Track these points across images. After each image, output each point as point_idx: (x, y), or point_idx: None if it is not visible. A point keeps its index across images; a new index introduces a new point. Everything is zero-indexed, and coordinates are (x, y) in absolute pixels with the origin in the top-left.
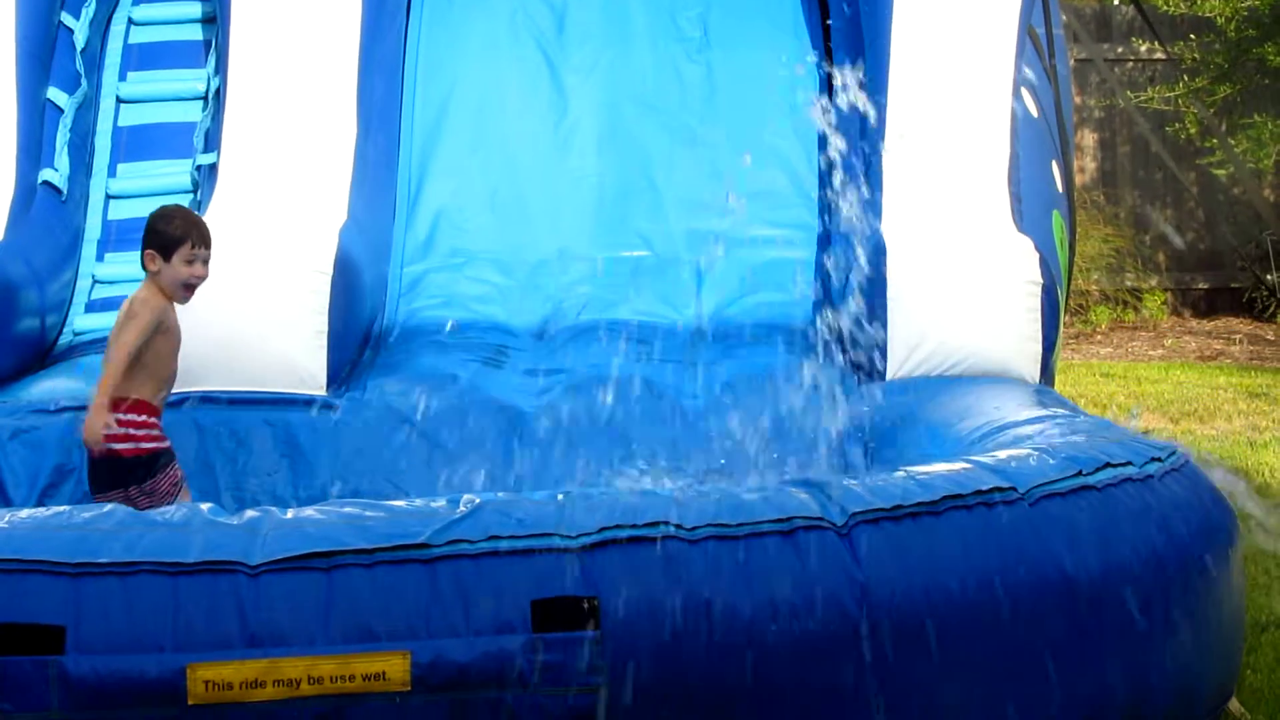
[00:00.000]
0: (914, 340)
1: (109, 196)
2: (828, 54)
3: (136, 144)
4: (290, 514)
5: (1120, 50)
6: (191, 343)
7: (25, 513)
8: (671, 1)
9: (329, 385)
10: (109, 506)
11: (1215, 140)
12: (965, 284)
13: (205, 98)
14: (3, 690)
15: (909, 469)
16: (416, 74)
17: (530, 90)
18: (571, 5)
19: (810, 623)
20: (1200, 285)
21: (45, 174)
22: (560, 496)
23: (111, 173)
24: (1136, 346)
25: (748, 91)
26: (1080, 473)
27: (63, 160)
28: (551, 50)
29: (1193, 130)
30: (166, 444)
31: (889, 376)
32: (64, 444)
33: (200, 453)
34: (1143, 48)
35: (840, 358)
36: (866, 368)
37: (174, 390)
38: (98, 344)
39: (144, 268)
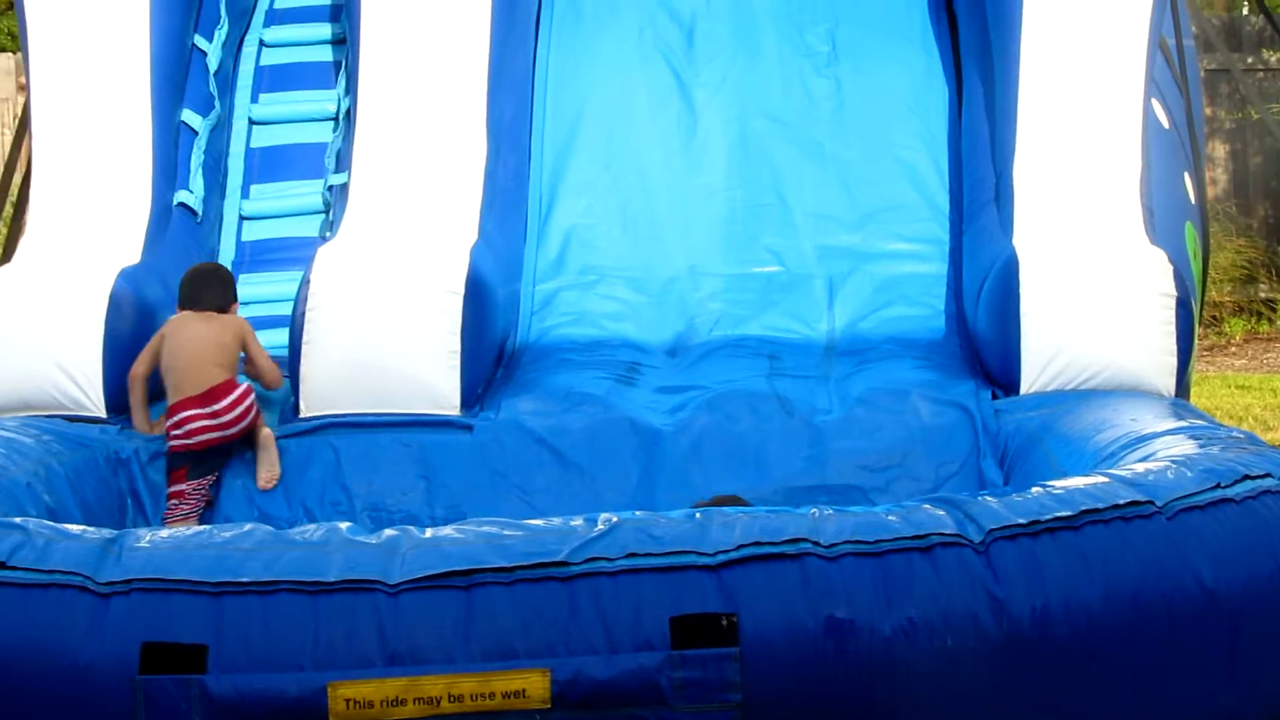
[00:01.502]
0: (1048, 354)
1: (242, 218)
2: (957, 67)
3: (269, 165)
4: (429, 533)
5: (1250, 60)
6: (326, 366)
7: (166, 532)
8: (799, 16)
9: (463, 405)
10: (248, 526)
11: None
12: (1099, 297)
13: (336, 118)
14: (146, 709)
15: (1045, 484)
16: (546, 92)
17: (659, 106)
18: (700, 21)
19: (949, 640)
20: None
21: (180, 195)
22: (698, 514)
23: (245, 194)
24: (1271, 358)
25: (877, 105)
26: (1218, 485)
27: (197, 182)
28: (680, 66)
29: None
30: None
31: (1023, 391)
32: None
33: (336, 474)
34: (1273, 58)
35: (974, 372)
36: (1000, 382)
37: (310, 414)
38: None
39: (225, 310)
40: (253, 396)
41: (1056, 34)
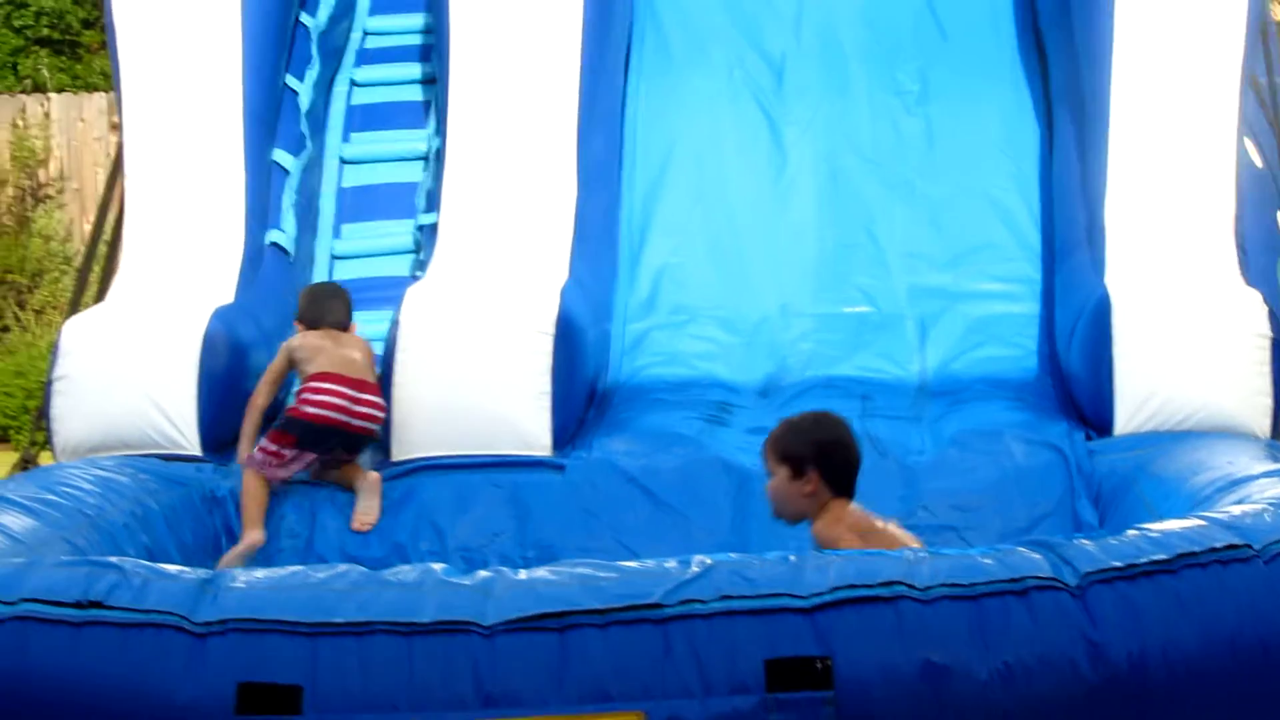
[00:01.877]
0: (1142, 395)
1: (334, 257)
2: (1047, 106)
3: (359, 204)
4: (523, 575)
5: None
6: (416, 408)
7: (261, 573)
8: (890, 55)
9: (554, 445)
10: (343, 567)
11: None
12: (1193, 338)
13: (426, 158)
14: None
15: (1141, 526)
16: (636, 130)
17: (749, 145)
18: (790, 60)
19: (1045, 684)
20: None
21: (273, 235)
22: (792, 557)
23: (336, 233)
24: None
25: (967, 144)
26: None
27: (289, 221)
28: (770, 105)
29: None
30: None
31: (1117, 432)
32: (297, 505)
33: (429, 515)
34: None
35: (1067, 413)
36: (1094, 423)
37: (402, 456)
38: None
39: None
40: (385, 414)
41: (1147, 72)
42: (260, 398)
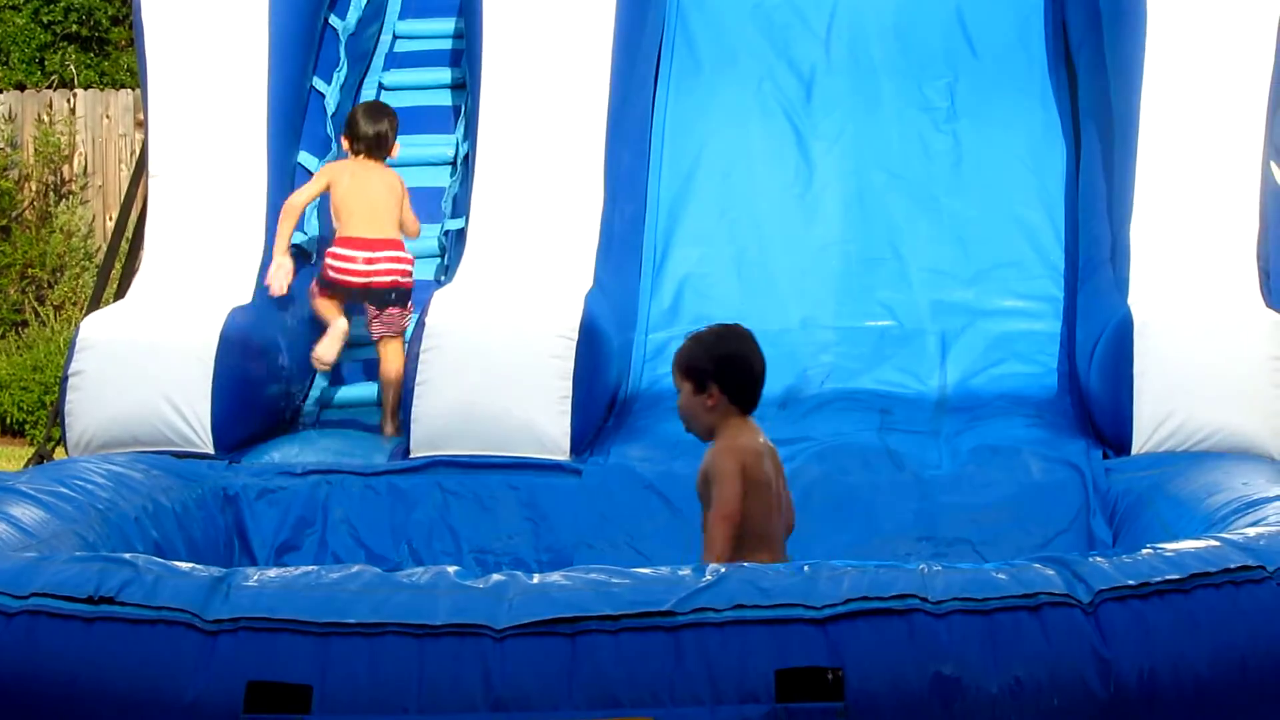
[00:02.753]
0: (1160, 415)
1: None
2: (1075, 125)
3: None
4: (536, 579)
5: None
6: (438, 406)
7: (274, 572)
8: (919, 71)
9: (573, 450)
10: (356, 568)
11: None
12: (1212, 359)
13: (454, 163)
14: None
15: (1156, 546)
16: (663, 140)
17: (776, 158)
18: (819, 74)
19: (1055, 700)
20: None
21: (294, 237)
22: (806, 567)
23: None
24: None
25: (994, 161)
26: None
27: (311, 224)
28: (798, 118)
29: None
30: None
31: (1135, 451)
32: (310, 502)
33: (444, 515)
34: None
35: (1085, 431)
36: (1112, 441)
37: (420, 454)
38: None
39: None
40: (411, 265)
41: (1176, 94)
42: (300, 197)
